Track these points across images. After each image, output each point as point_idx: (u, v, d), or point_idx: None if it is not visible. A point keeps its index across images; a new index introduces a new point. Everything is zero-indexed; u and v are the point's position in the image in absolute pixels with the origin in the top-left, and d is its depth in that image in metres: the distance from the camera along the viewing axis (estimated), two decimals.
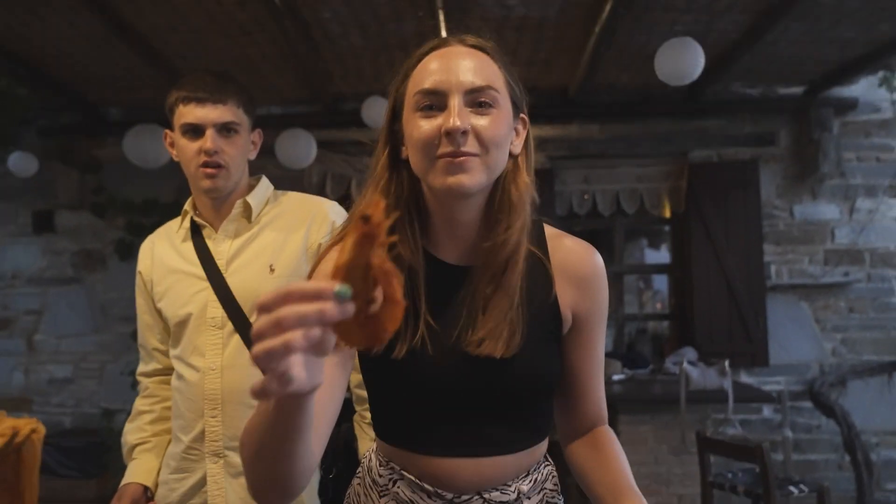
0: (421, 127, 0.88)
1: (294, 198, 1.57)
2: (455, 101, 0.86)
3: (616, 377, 3.97)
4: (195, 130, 1.43)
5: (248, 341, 1.39)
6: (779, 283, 4.21)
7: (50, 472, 4.05)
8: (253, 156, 1.54)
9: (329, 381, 0.83)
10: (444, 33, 3.27)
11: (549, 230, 1.01)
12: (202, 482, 1.45)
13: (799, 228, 4.25)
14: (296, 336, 0.52)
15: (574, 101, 4.19)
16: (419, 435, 0.95)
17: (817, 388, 4.10)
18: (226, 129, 1.44)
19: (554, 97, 4.24)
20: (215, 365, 1.43)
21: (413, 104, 0.90)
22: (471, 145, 0.86)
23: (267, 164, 3.39)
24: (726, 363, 3.62)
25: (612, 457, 0.96)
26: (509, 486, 0.95)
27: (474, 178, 0.87)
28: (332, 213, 1.52)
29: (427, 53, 0.93)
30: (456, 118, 0.85)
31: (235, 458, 1.43)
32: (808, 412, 4.17)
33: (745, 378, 4.17)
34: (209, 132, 1.42)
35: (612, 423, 3.52)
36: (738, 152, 4.27)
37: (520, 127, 0.96)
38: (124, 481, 1.49)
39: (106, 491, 3.98)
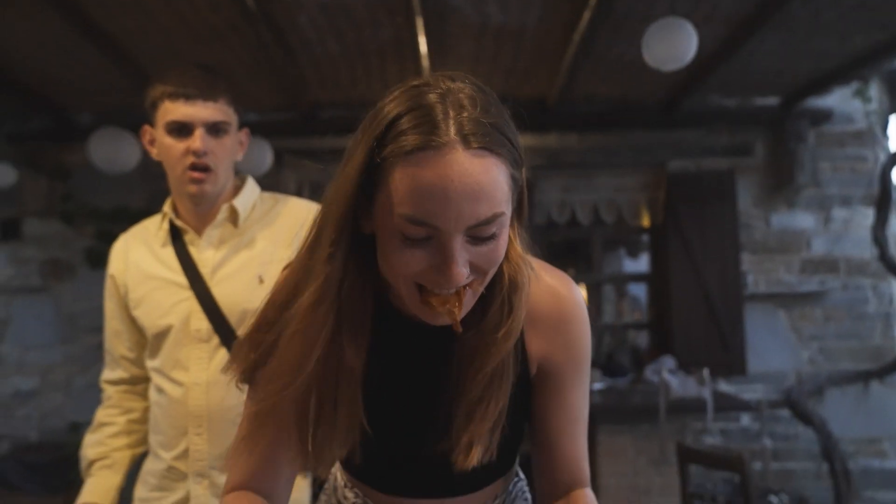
0: (409, 261, 0.71)
1: (283, 203, 1.49)
2: (455, 247, 0.69)
3: (596, 386, 3.95)
4: (182, 129, 1.35)
5: None
6: (756, 292, 4.24)
7: (13, 488, 3.91)
8: (240, 157, 1.47)
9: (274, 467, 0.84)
10: (421, 41, 3.24)
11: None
12: (182, 501, 1.39)
13: (776, 238, 4.29)
14: None
15: (553, 111, 4.18)
16: (377, 477, 0.92)
17: (795, 397, 4.10)
18: (215, 129, 1.36)
19: (533, 107, 4.24)
20: (200, 380, 1.36)
21: (397, 225, 0.70)
22: (466, 278, 0.73)
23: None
24: (705, 372, 3.63)
25: None
26: None
27: (466, 310, 0.76)
28: None
29: (415, 153, 0.68)
30: (455, 269, 0.69)
31: (220, 479, 1.36)
32: (786, 421, 4.18)
33: (723, 387, 4.18)
34: (198, 132, 1.34)
35: (591, 435, 3.57)
36: (716, 163, 4.30)
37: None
38: (80, 500, 1.41)
39: None
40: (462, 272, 0.70)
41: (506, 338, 0.78)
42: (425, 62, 3.49)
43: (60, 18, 2.90)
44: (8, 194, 4.21)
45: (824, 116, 4.25)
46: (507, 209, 0.72)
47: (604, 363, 4.29)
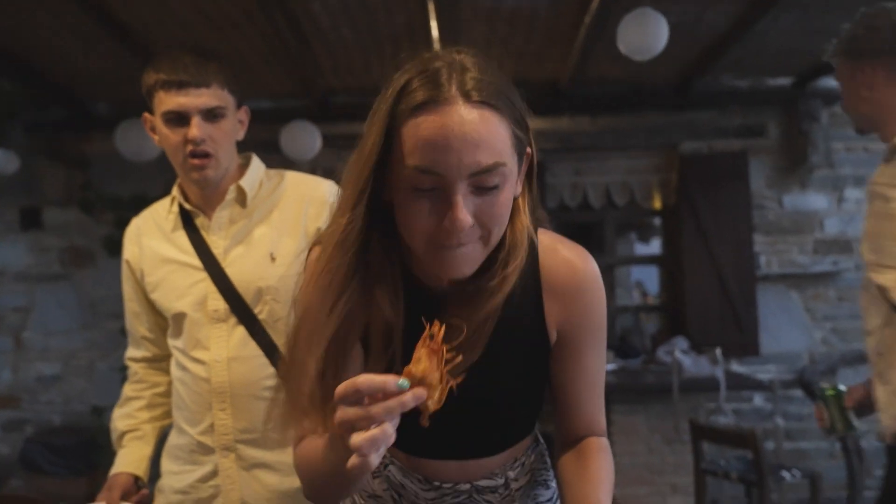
0: (419, 212, 0.76)
1: (290, 179, 1.48)
2: (458, 193, 0.74)
3: (608, 367, 3.97)
4: (178, 118, 1.33)
5: (253, 333, 1.38)
6: (769, 273, 4.25)
7: (39, 471, 4.01)
8: (241, 135, 1.45)
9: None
10: (433, 25, 3.26)
11: (544, 241, 0.92)
12: (211, 475, 1.42)
13: (788, 219, 4.29)
14: (387, 427, 0.67)
15: (565, 94, 4.19)
16: (400, 437, 0.95)
17: (808, 377, 4.03)
18: (211, 115, 1.34)
19: (545, 90, 4.25)
20: (220, 357, 1.38)
21: (407, 177, 0.75)
22: (473, 234, 0.77)
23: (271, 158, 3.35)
24: (718, 351, 3.65)
25: (590, 468, 0.91)
26: (497, 473, 0.97)
27: (474, 266, 0.80)
28: (329, 195, 1.41)
29: (420, 108, 0.74)
30: (459, 215, 0.74)
31: (247, 451, 1.39)
32: (798, 401, 4.20)
33: (736, 367, 4.20)
34: (194, 120, 1.32)
35: (605, 414, 3.59)
36: (728, 144, 4.29)
37: (522, 165, 0.84)
38: (114, 470, 1.46)
39: (96, 489, 3.91)
40: (466, 219, 0.74)
41: (497, 288, 0.83)
42: (437, 47, 3.52)
43: (78, 8, 2.94)
44: (28, 184, 4.30)
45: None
46: (509, 162, 0.76)
47: (616, 345, 4.32)
